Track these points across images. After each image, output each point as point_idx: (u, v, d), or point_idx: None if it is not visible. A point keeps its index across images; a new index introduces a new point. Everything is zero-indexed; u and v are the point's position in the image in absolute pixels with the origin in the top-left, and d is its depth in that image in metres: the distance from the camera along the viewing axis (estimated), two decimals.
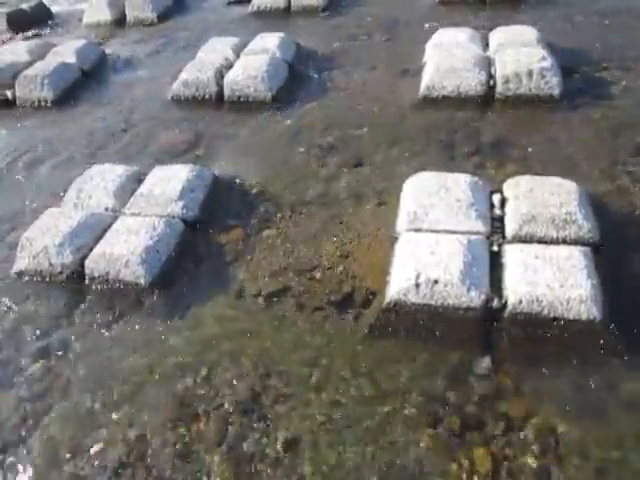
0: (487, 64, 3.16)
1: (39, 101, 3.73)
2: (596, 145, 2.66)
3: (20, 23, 5.13)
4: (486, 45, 3.42)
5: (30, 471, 1.70)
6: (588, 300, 1.80)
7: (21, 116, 3.68)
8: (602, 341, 1.80)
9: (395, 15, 4.21)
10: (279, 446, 1.67)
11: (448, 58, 3.18)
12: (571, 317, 1.81)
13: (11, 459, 1.74)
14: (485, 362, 1.80)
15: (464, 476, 1.54)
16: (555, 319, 1.83)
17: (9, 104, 3.79)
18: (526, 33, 3.40)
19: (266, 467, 1.62)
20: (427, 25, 3.93)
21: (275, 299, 2.12)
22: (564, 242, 2.04)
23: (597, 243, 2.05)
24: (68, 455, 1.72)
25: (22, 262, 2.34)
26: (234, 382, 1.85)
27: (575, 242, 2.04)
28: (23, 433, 1.80)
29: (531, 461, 1.55)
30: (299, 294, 2.12)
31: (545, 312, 1.83)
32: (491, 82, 3.07)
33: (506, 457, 1.57)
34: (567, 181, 2.24)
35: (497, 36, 3.44)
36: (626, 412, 1.64)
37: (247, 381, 1.85)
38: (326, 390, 1.79)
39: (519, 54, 3.10)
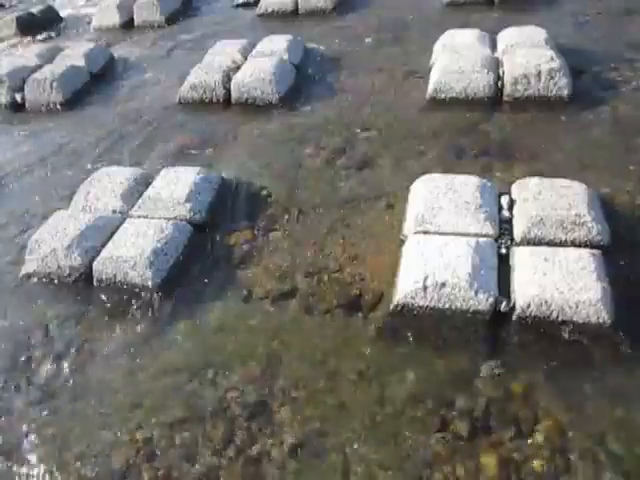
0: (495, 65, 3.14)
1: (48, 104, 3.76)
2: (606, 146, 2.64)
3: (29, 27, 5.17)
4: (494, 46, 3.40)
5: (35, 472, 1.71)
6: (598, 303, 1.79)
7: (31, 119, 3.70)
8: (612, 344, 1.78)
9: (403, 17, 4.20)
10: (286, 449, 1.66)
11: (456, 59, 3.17)
12: (580, 320, 1.80)
13: (15, 463, 1.75)
14: (493, 366, 1.79)
15: None
16: (564, 322, 1.81)
17: (19, 107, 3.82)
18: (534, 34, 3.38)
19: (273, 470, 1.62)
20: (435, 26, 3.92)
21: (283, 301, 2.12)
22: (573, 244, 2.03)
23: (607, 245, 2.03)
24: (76, 457, 1.73)
25: (31, 264, 2.36)
26: (241, 385, 1.85)
27: (584, 244, 2.02)
28: (31, 434, 1.81)
29: (539, 466, 1.54)
30: (307, 296, 2.12)
31: (554, 315, 1.81)
32: (499, 83, 3.05)
33: (514, 462, 1.55)
34: (576, 183, 2.22)
35: (505, 37, 3.43)
36: (636, 416, 1.62)
37: (254, 384, 1.84)
38: (333, 393, 1.78)
39: (528, 55, 3.09)
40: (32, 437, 1.81)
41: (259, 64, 3.49)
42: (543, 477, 1.52)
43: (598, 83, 3.09)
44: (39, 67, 3.96)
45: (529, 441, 1.59)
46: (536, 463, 1.54)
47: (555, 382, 1.73)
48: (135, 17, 4.92)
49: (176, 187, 2.55)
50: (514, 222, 2.15)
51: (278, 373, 1.86)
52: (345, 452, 1.63)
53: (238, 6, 4.94)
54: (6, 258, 2.53)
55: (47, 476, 1.70)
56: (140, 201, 2.56)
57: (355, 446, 1.64)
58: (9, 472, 1.73)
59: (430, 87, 3.14)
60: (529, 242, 2.07)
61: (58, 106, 3.74)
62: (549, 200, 2.13)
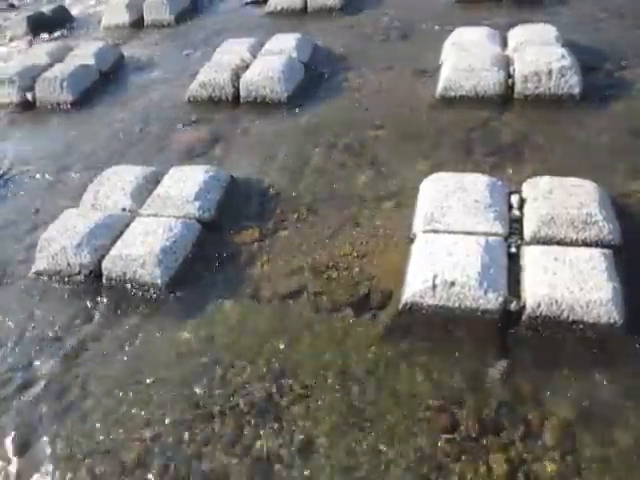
0: (506, 63, 3.12)
1: (58, 103, 3.78)
2: (617, 145, 2.62)
3: (40, 26, 5.20)
4: (504, 44, 3.38)
5: (46, 468, 1.72)
6: (609, 303, 1.77)
7: (41, 118, 3.73)
8: (622, 345, 1.76)
9: (412, 15, 4.18)
10: (294, 448, 1.66)
11: (466, 57, 3.15)
12: (591, 320, 1.78)
13: (29, 457, 1.76)
14: (503, 365, 1.78)
15: None
16: (574, 322, 1.80)
17: (29, 106, 3.84)
18: (545, 31, 3.35)
19: (281, 468, 1.62)
20: (444, 24, 3.90)
21: (291, 300, 2.11)
22: (584, 244, 2.01)
23: (618, 245, 2.01)
24: (85, 453, 1.74)
25: (41, 262, 2.37)
26: (249, 383, 1.85)
27: (595, 244, 2.00)
28: (41, 431, 1.82)
29: (549, 467, 1.53)
30: (315, 295, 2.11)
31: (564, 315, 1.80)
32: (510, 81, 3.03)
33: (524, 462, 1.54)
34: (587, 182, 2.21)
35: (516, 35, 3.40)
36: None
37: (262, 382, 1.84)
38: (342, 392, 1.78)
39: (538, 53, 3.06)
40: (41, 433, 1.82)
41: (268, 62, 3.49)
42: (553, 478, 1.51)
43: (609, 81, 3.07)
44: (49, 66, 3.98)
45: (539, 442, 1.58)
46: (546, 464, 1.53)
47: (565, 382, 1.72)
48: (145, 16, 4.93)
49: (185, 185, 2.55)
50: (524, 221, 2.14)
51: (286, 371, 1.86)
52: (353, 450, 1.63)
53: (247, 4, 4.94)
54: (17, 256, 2.55)
55: (57, 473, 1.71)
56: (149, 199, 2.56)
57: (363, 445, 1.64)
58: (18, 469, 1.74)
59: (440, 85, 3.12)
60: (539, 241, 2.05)
61: (68, 105, 3.76)
62: (560, 199, 2.11)
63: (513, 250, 2.04)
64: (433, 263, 1.95)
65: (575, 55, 3.07)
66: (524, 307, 1.85)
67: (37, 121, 3.70)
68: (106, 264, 2.27)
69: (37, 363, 2.05)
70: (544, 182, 2.24)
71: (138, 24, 4.92)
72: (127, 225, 2.42)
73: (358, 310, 2.03)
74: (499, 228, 2.09)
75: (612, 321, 1.77)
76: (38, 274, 2.38)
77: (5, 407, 1.92)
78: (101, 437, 1.77)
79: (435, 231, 2.12)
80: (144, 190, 2.62)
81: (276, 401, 1.79)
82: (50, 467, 1.72)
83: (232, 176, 2.74)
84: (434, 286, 1.89)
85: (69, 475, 1.69)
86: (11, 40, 5.19)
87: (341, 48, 3.87)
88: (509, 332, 1.86)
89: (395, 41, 3.89)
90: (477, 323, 1.86)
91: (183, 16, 4.90)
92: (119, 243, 2.32)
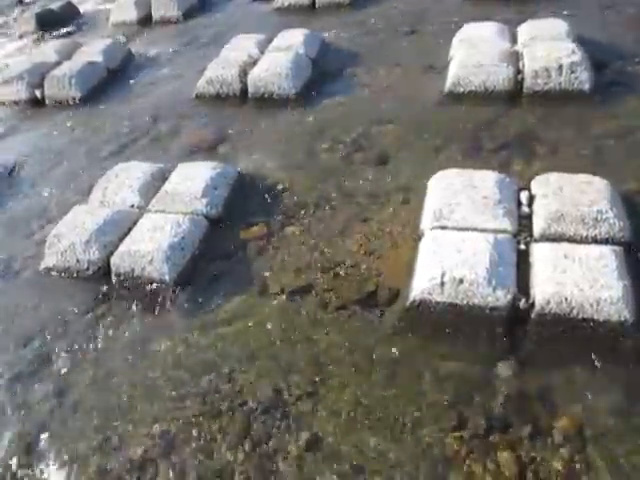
0: (515, 59, 3.09)
1: (67, 100, 3.79)
2: (628, 142, 2.59)
3: (49, 23, 5.22)
4: (514, 39, 3.35)
5: (56, 466, 1.73)
6: (619, 301, 1.75)
7: (50, 115, 3.74)
8: (633, 343, 1.74)
9: (421, 10, 4.16)
10: (301, 444, 1.66)
11: (474, 53, 3.13)
12: (601, 319, 1.76)
13: (39, 452, 1.77)
14: (511, 363, 1.77)
15: (489, 479, 1.51)
16: (584, 320, 1.78)
17: (38, 103, 3.86)
18: (555, 26, 3.32)
19: (288, 465, 1.62)
20: (453, 20, 3.87)
21: (298, 297, 2.11)
22: (594, 241, 1.99)
23: (628, 242, 1.99)
24: (93, 449, 1.75)
25: (50, 259, 2.38)
26: (257, 380, 1.85)
27: (606, 241, 1.98)
28: (49, 428, 1.83)
29: (558, 465, 1.52)
30: (323, 292, 2.11)
31: (574, 313, 1.78)
32: (519, 77, 3.01)
33: (532, 460, 1.54)
34: (598, 178, 2.18)
35: (525, 30, 3.37)
36: None
37: (270, 379, 1.85)
38: (349, 389, 1.77)
39: (548, 48, 3.03)
40: (50, 429, 1.83)
41: (275, 58, 3.48)
42: (561, 476, 1.50)
43: (620, 77, 3.03)
44: (58, 64, 4.00)
45: (547, 440, 1.57)
46: (554, 462, 1.52)
47: (574, 380, 1.71)
48: (152, 12, 4.94)
49: (192, 182, 2.56)
50: (534, 218, 2.12)
51: (293, 368, 1.86)
52: (361, 448, 1.63)
53: (254, 0, 4.93)
54: (26, 253, 2.56)
55: (65, 468, 1.72)
56: (157, 196, 2.57)
57: (371, 443, 1.63)
58: (28, 464, 1.76)
59: (448, 81, 3.10)
60: (549, 238, 2.03)
61: (76, 102, 3.77)
62: (570, 196, 2.10)
63: (522, 247, 2.03)
64: (441, 260, 1.94)
65: (586, 50, 3.04)
66: (533, 305, 1.83)
67: (45, 118, 3.71)
68: (114, 260, 2.28)
69: (46, 359, 2.06)
70: (554, 179, 2.22)
71: (146, 21, 4.93)
72: (135, 222, 2.42)
73: (366, 307, 2.03)
74: (508, 225, 2.08)
75: (622, 319, 1.75)
76: (47, 270, 2.39)
77: (14, 403, 1.93)
78: (109, 433, 1.78)
79: (443, 228, 2.11)
80: (152, 187, 2.63)
81: (283, 398, 1.79)
82: (57, 464, 1.73)
83: (239, 172, 2.74)
84: (442, 283, 1.88)
85: (77, 471, 1.70)
86: (20, 37, 5.22)
87: (349, 44, 3.86)
88: (517, 330, 1.84)
89: (404, 37, 3.87)
90: (485, 320, 1.85)
91: (191, 13, 4.90)
92: (127, 239, 2.32)
